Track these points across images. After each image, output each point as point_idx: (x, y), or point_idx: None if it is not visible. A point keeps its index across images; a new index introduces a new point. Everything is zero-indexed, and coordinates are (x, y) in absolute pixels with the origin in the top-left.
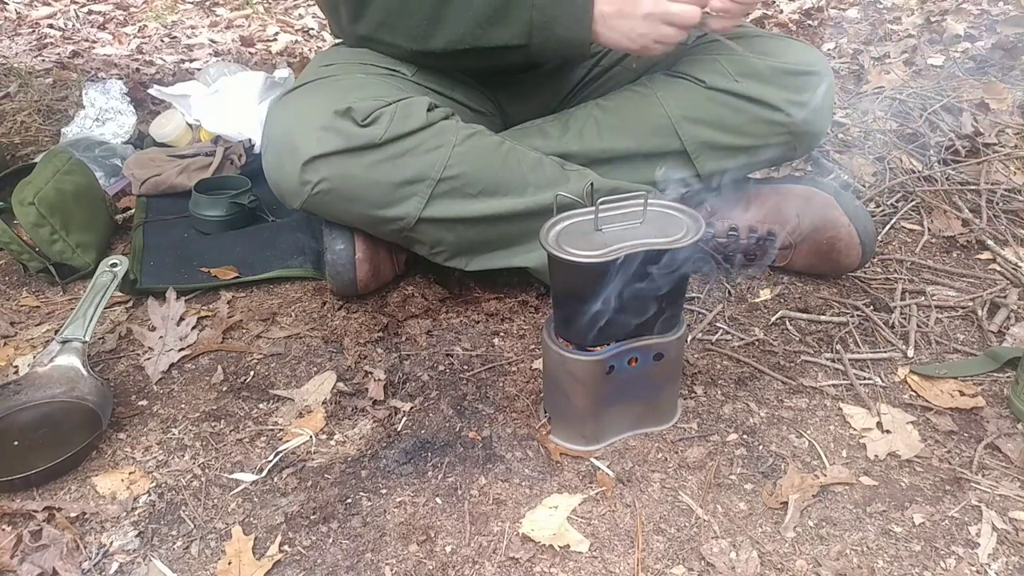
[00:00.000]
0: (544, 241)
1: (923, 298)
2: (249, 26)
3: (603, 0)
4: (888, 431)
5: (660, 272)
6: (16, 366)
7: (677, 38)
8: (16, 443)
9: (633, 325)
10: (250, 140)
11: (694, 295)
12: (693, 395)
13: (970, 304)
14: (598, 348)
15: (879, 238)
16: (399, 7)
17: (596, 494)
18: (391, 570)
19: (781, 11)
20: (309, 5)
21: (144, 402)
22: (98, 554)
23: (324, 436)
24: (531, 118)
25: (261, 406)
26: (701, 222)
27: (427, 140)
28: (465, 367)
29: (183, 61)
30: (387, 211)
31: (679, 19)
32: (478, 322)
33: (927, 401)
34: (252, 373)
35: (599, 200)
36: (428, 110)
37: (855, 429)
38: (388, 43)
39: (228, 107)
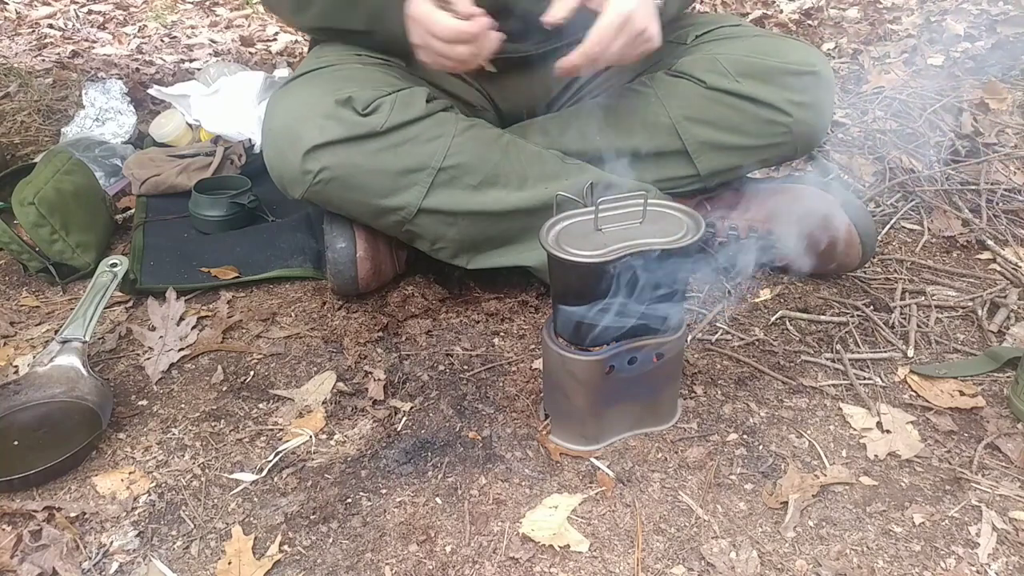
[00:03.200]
0: (544, 241)
1: (923, 298)
2: (249, 26)
3: (412, 3)
4: (888, 431)
5: (661, 272)
6: (16, 366)
7: (459, 55)
8: (16, 443)
9: (633, 325)
10: (250, 140)
11: (694, 295)
12: (693, 395)
13: (970, 304)
14: (598, 348)
15: (879, 238)
16: None
17: (596, 494)
18: (391, 570)
19: (781, 11)
20: None
21: (144, 402)
22: (98, 554)
23: (324, 436)
24: (523, 113)
25: (261, 406)
26: (701, 222)
27: (428, 129)
28: (465, 367)
29: (183, 61)
30: (388, 200)
31: (439, 31)
32: (478, 322)
33: (927, 401)
34: (252, 373)
35: (599, 200)
36: (427, 100)
37: (855, 429)
38: (274, 11)
39: (228, 107)
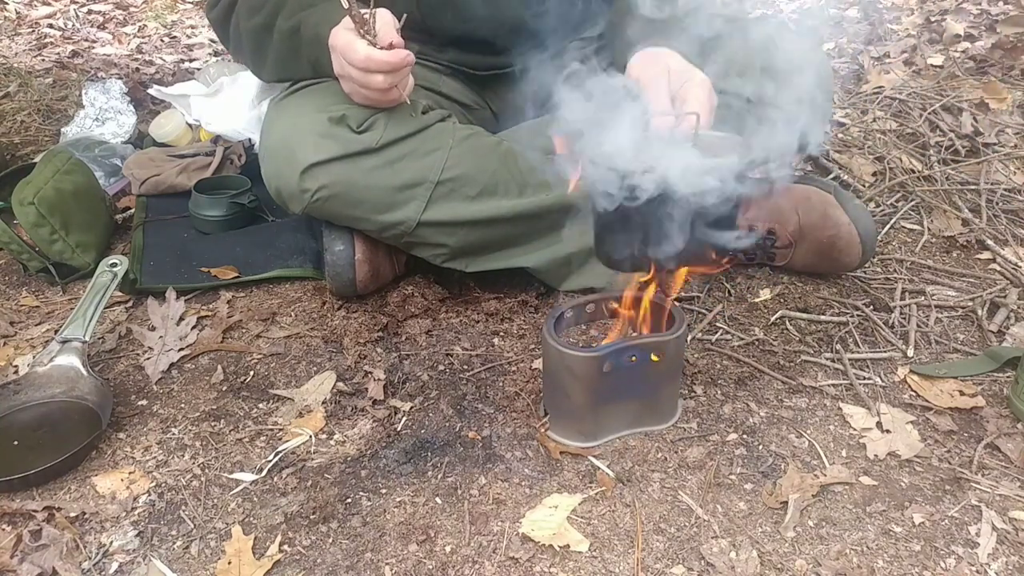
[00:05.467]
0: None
1: (923, 298)
2: None
3: (334, 33)
4: (888, 431)
5: (710, 194)
6: (16, 366)
7: (376, 84)
8: (16, 443)
9: (679, 252)
10: (250, 140)
11: (694, 295)
12: (693, 395)
13: (970, 304)
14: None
15: (879, 238)
16: (247, 50)
17: (596, 494)
18: (391, 570)
19: (781, 11)
20: None
21: (144, 402)
22: (98, 554)
23: (324, 436)
24: (519, 113)
25: (261, 406)
26: (751, 147)
27: (424, 143)
28: (465, 367)
29: (183, 61)
30: (388, 216)
31: (354, 59)
32: (478, 322)
33: (927, 401)
34: (252, 373)
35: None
36: (423, 112)
37: (855, 429)
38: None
39: (228, 107)
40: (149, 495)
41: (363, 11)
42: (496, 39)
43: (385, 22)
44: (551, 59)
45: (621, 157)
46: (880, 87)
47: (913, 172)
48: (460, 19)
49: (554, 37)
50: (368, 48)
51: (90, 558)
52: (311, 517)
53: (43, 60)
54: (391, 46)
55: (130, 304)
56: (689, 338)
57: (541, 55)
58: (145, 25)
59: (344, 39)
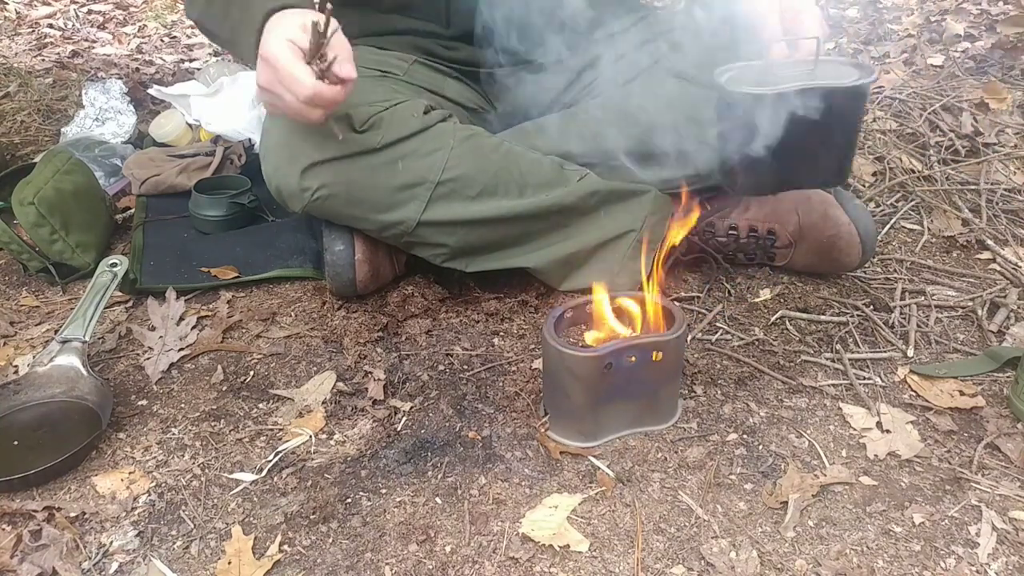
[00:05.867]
0: (719, 80)
1: (923, 298)
2: None
3: (269, 41)
4: (888, 431)
5: (837, 110)
6: (16, 366)
7: (311, 119)
8: (16, 443)
9: (802, 172)
10: (250, 140)
11: (694, 295)
12: (693, 395)
13: (970, 304)
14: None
15: (879, 238)
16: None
17: (596, 494)
18: (391, 570)
19: None
20: None
21: (144, 402)
22: (98, 554)
23: (324, 436)
24: (523, 115)
25: (261, 406)
26: (873, 69)
27: (425, 143)
28: (465, 367)
29: (183, 61)
30: (388, 215)
31: (298, 90)
32: (478, 322)
33: (927, 401)
34: (252, 373)
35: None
36: (424, 113)
37: (855, 429)
38: None
39: (228, 107)
40: (149, 495)
41: (316, 22)
42: (520, 32)
43: (345, 51)
44: (572, 54)
45: (767, 79)
46: (880, 87)
47: (913, 172)
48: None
49: (576, 31)
50: (316, 83)
51: (90, 558)
52: (311, 517)
53: (43, 60)
54: (342, 81)
55: (130, 304)
56: (689, 338)
57: (562, 49)
58: (145, 25)
59: (283, 59)
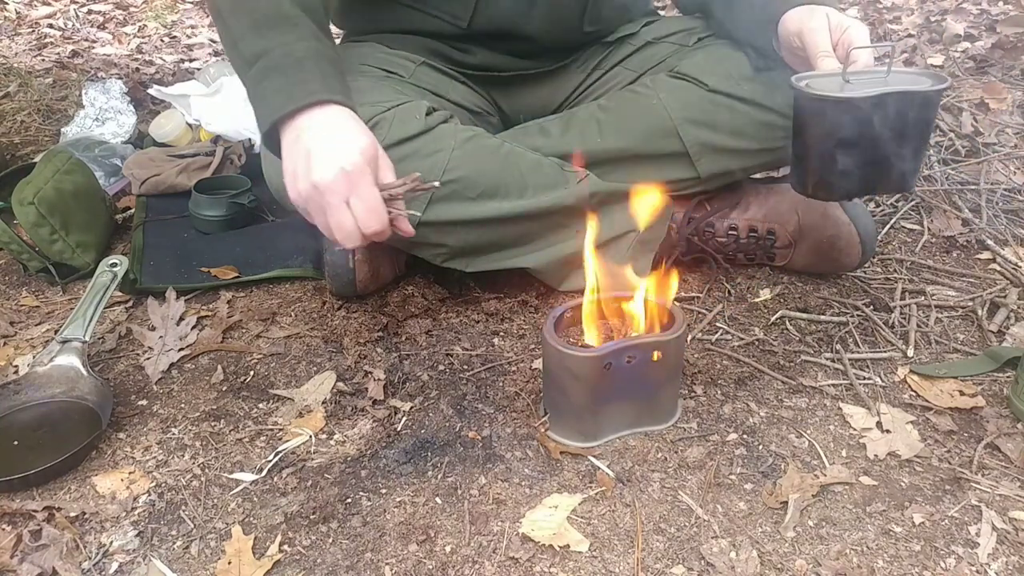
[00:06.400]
0: (794, 84)
1: (923, 298)
2: None
3: (347, 149)
4: (888, 431)
5: (912, 116)
6: (16, 366)
7: (371, 232)
8: (16, 443)
9: (877, 177)
10: (250, 140)
11: (694, 295)
12: (693, 395)
13: (970, 304)
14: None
15: (879, 238)
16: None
17: (596, 494)
18: (391, 570)
19: None
20: None
21: (144, 402)
22: (98, 554)
23: (324, 436)
24: (528, 118)
25: (261, 406)
26: (944, 77)
27: (426, 145)
28: (465, 367)
29: (183, 61)
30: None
31: (364, 205)
32: (478, 322)
33: (927, 401)
34: (252, 373)
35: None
36: (427, 114)
37: (855, 429)
38: None
39: (228, 107)
40: (149, 495)
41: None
42: (540, 36)
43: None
44: (587, 56)
45: (846, 87)
46: None
47: None
48: (519, 11)
49: (596, 35)
50: (387, 220)
51: (90, 558)
52: (311, 517)
53: (43, 60)
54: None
55: (130, 304)
56: (689, 338)
57: (578, 53)
58: (145, 25)
59: (369, 179)
